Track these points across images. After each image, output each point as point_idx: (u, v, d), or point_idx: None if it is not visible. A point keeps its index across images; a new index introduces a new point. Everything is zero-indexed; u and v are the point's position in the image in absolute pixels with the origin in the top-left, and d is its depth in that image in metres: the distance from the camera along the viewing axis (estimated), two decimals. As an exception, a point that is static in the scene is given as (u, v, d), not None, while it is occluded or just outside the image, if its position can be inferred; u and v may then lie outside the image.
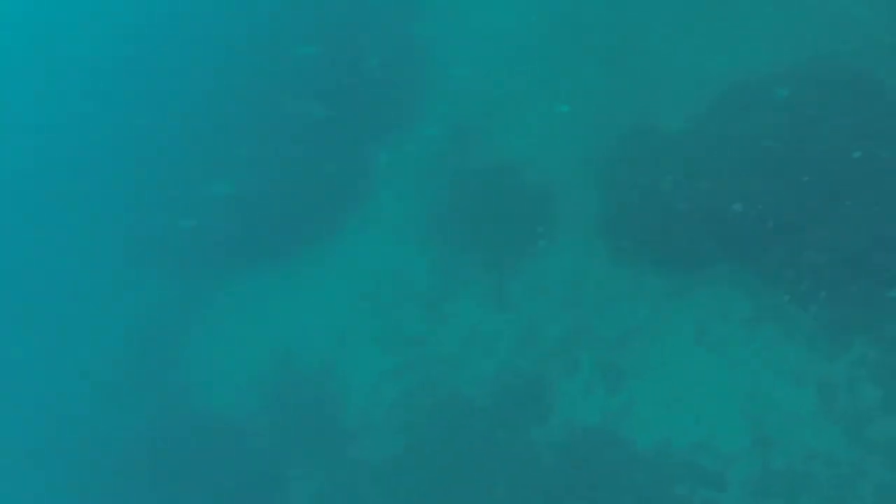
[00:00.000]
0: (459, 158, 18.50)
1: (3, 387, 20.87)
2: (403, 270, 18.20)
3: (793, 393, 14.16)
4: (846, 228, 14.36)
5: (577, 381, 15.89)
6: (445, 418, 16.61)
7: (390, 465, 16.61)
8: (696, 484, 14.29)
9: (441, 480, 16.05)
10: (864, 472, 13.31)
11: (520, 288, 17.05)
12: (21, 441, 19.98)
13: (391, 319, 17.91)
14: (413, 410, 16.97)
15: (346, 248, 19.04)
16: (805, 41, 16.22)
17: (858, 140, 14.66)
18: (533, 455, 15.70)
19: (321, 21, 21.03)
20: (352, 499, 16.54)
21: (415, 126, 19.49)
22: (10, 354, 21.22)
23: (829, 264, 14.42)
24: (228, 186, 19.91)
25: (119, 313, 20.55)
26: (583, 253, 16.70)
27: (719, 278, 15.36)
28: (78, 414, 19.82)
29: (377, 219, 18.99)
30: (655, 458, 14.76)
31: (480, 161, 18.35)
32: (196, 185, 20.71)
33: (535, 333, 16.55)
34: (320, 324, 18.48)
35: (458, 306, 17.45)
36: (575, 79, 18.18)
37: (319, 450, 17.31)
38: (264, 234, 19.52)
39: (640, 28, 18.00)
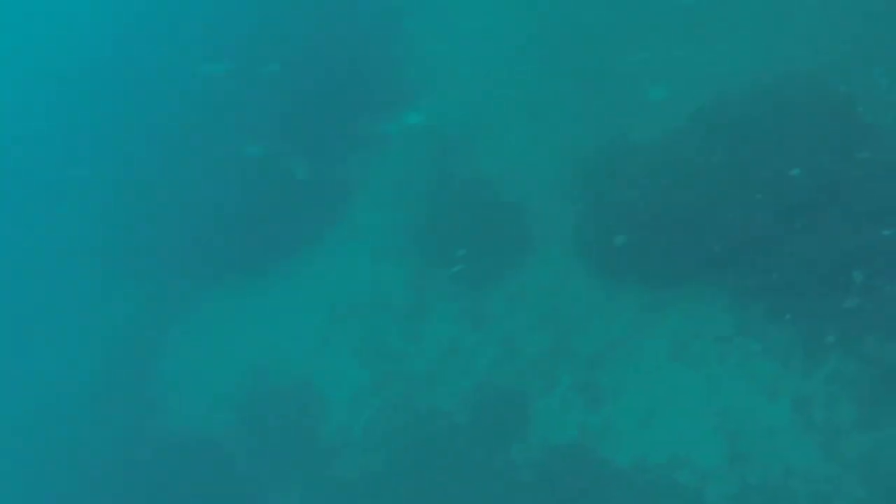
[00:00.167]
0: (437, 173, 18.51)
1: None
2: (381, 285, 18.15)
3: (769, 408, 14.17)
4: (820, 244, 14.43)
5: (555, 398, 15.86)
6: (423, 435, 16.56)
7: (368, 482, 16.54)
8: (673, 500, 14.26)
9: (419, 497, 15.97)
10: (841, 487, 13.32)
11: (498, 303, 17.03)
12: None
13: (369, 334, 17.85)
14: (391, 427, 16.91)
15: (323, 261, 18.97)
16: (777, 59, 16.33)
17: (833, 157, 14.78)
18: (511, 471, 15.66)
19: (296, 34, 21.01)
20: (329, 516, 16.46)
21: (392, 140, 19.46)
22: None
23: (804, 280, 14.47)
24: (205, 197, 19.82)
25: (95, 326, 20.41)
26: (560, 269, 16.69)
27: (696, 294, 15.39)
28: (51, 428, 19.64)
29: (355, 232, 18.96)
30: (633, 474, 14.73)
31: (458, 176, 18.35)
32: (172, 195, 20.59)
33: (513, 349, 16.52)
34: (298, 338, 18.40)
35: (436, 322, 17.42)
36: (554, 94, 18.22)
37: (297, 466, 17.22)
38: (241, 248, 19.41)
39: (617, 45, 18.07)
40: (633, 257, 15.89)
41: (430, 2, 20.33)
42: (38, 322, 21.19)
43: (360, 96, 19.81)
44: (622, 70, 17.66)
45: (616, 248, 16.06)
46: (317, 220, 19.23)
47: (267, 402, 17.88)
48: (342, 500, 16.52)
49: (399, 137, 19.33)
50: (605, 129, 17.14)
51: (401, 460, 16.49)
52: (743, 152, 15.38)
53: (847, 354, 14.10)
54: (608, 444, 15.16)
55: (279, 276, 19.11)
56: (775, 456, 13.82)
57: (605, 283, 16.21)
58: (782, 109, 15.47)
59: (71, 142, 22.96)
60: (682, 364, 15.10)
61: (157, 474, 17.91)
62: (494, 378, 16.46)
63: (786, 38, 16.56)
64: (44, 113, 24.15)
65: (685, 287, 15.48)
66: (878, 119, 14.98)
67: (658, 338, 15.43)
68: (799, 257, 14.48)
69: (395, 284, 18.03)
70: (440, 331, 17.27)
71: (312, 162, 19.40)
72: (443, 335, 17.21)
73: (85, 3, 24.96)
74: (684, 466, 14.37)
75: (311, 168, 19.15)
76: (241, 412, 18.02)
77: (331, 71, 20.04)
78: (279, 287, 19.03)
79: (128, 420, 18.77)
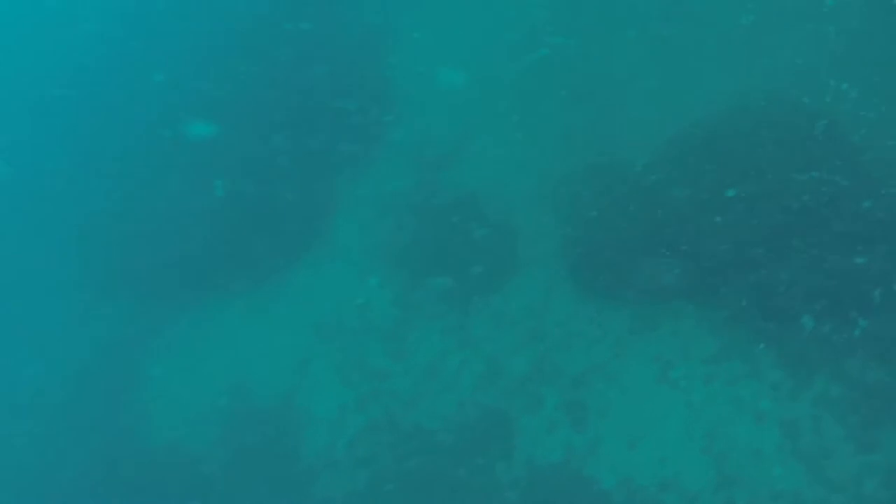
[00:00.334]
0: (423, 190, 18.36)
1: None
2: (365, 303, 17.96)
3: (756, 431, 14.15)
4: (807, 266, 14.46)
5: (541, 418, 15.75)
6: (407, 454, 16.38)
7: (350, 502, 16.29)
8: (660, 523, 14.20)
9: (402, 518, 15.82)
10: (829, 510, 13.33)
11: (483, 322, 16.91)
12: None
13: (352, 352, 17.65)
14: (374, 446, 16.71)
15: (306, 279, 18.76)
16: (757, 83, 16.36)
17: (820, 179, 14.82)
18: (496, 492, 15.53)
19: (276, 51, 20.81)
20: (310, 537, 16.25)
21: (376, 157, 19.30)
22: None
23: (790, 301, 14.48)
24: (186, 215, 19.56)
25: (73, 345, 20.04)
26: (546, 288, 16.62)
27: (683, 314, 15.37)
28: (27, 446, 19.27)
29: (338, 251, 18.74)
30: (619, 497, 14.64)
31: (444, 194, 18.21)
32: (153, 212, 20.32)
33: (498, 369, 16.41)
34: (280, 356, 18.16)
35: (420, 340, 17.25)
36: (541, 112, 18.13)
37: (277, 485, 16.96)
38: (223, 266, 19.15)
39: (604, 65, 18.01)
40: (619, 277, 15.84)
41: (415, 19, 20.18)
42: (15, 339, 20.80)
43: (343, 112, 19.63)
44: (611, 90, 17.60)
45: (603, 268, 16.01)
46: (300, 238, 19.02)
47: (247, 422, 17.62)
48: (323, 519, 16.33)
49: (383, 155, 19.17)
50: (592, 147, 17.09)
51: (383, 480, 16.31)
52: (732, 173, 15.39)
53: (833, 377, 14.11)
54: (594, 465, 15.07)
55: (262, 294, 18.86)
56: (762, 479, 13.79)
57: (592, 302, 16.15)
58: (767, 128, 15.52)
59: (48, 154, 22.58)
60: (669, 385, 15.06)
61: (136, 494, 17.60)
62: (479, 397, 16.33)
63: (764, 58, 16.60)
64: (23, 121, 23.75)
65: (672, 308, 15.46)
66: (849, 136, 15.08)
67: (644, 358, 15.39)
68: (785, 279, 14.50)
69: (378, 303, 17.85)
70: (424, 349, 17.11)
71: (295, 180, 19.19)
72: (427, 354, 17.05)
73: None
74: (671, 489, 14.30)
75: (294, 186, 18.94)
76: (222, 431, 17.74)
77: (313, 88, 19.86)
78: (262, 305, 18.78)
79: (106, 439, 18.43)
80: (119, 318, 19.81)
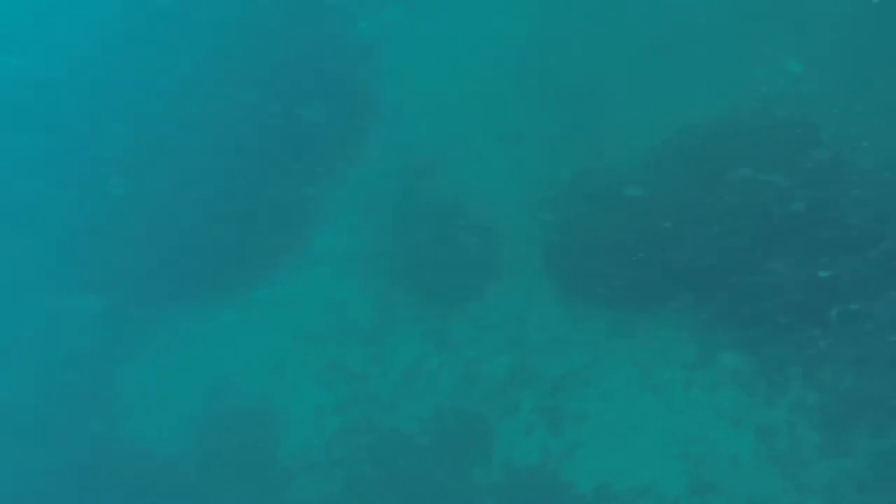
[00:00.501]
0: (406, 195, 18.29)
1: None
2: (345, 306, 17.88)
3: (733, 437, 14.27)
4: (788, 274, 14.59)
5: (519, 423, 15.79)
6: (385, 458, 16.35)
7: (326, 505, 16.26)
8: (637, 527, 14.28)
9: (379, 521, 15.78)
10: (803, 515, 13.48)
11: (463, 326, 16.92)
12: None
13: (332, 355, 17.58)
14: (352, 449, 16.67)
15: (288, 282, 18.61)
16: (745, 94, 16.49)
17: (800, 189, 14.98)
18: (473, 496, 15.56)
19: (263, 58, 20.65)
20: (287, 540, 16.15)
21: (360, 160, 19.22)
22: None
23: (769, 309, 14.61)
24: (167, 217, 19.34)
25: (50, 347, 19.74)
26: (527, 293, 16.66)
27: (663, 321, 15.49)
28: (2, 450, 18.94)
29: (320, 255, 18.61)
30: (596, 500, 14.70)
31: (427, 198, 18.15)
32: (133, 213, 20.08)
33: (477, 373, 16.42)
34: (259, 359, 18.01)
35: (400, 344, 17.22)
36: (525, 119, 18.11)
37: (255, 488, 16.84)
38: (204, 269, 18.96)
39: (588, 73, 18.03)
40: (601, 283, 15.91)
41: (402, 28, 20.08)
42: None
43: (327, 118, 19.51)
44: (596, 96, 17.64)
45: (584, 274, 16.06)
46: (281, 242, 18.88)
47: (226, 424, 17.47)
48: (300, 523, 16.24)
49: (367, 160, 19.08)
50: (576, 155, 17.13)
51: (361, 483, 16.27)
52: (715, 180, 15.49)
53: (808, 384, 14.28)
54: (571, 470, 15.14)
55: (241, 297, 18.67)
56: (739, 484, 13.91)
57: (573, 307, 16.23)
58: (751, 137, 15.64)
59: (29, 153, 22.23)
60: (648, 390, 15.16)
61: (113, 496, 17.37)
62: (457, 401, 16.34)
63: (756, 73, 16.72)
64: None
65: (652, 314, 15.58)
66: (838, 151, 15.24)
67: (624, 363, 15.49)
68: (766, 286, 14.63)
69: (359, 307, 17.79)
70: (403, 353, 17.08)
71: (275, 184, 19.05)
72: (407, 357, 17.03)
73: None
74: (648, 494, 14.38)
75: (280, 192, 18.81)
76: (200, 434, 17.56)
77: (298, 94, 19.72)
78: (242, 309, 18.58)
79: (83, 441, 18.16)
80: (93, 321, 19.56)
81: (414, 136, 18.72)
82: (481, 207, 17.67)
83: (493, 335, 16.60)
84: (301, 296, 18.30)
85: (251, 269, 18.83)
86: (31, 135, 22.12)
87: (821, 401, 14.13)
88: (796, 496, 13.57)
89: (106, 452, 17.81)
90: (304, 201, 19.21)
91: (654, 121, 16.70)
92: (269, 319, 18.30)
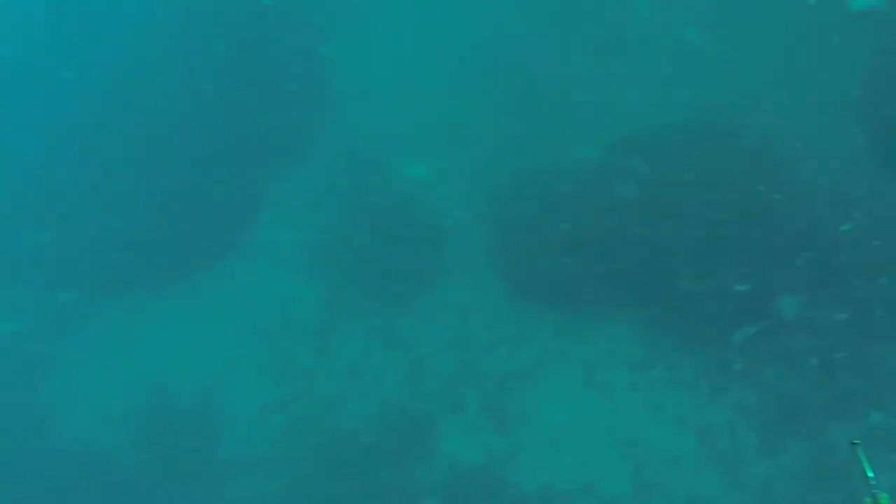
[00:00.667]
0: (354, 190, 18.12)
1: None
2: (290, 301, 17.65)
3: (675, 437, 14.42)
4: (732, 275, 14.78)
5: (463, 421, 15.77)
6: (329, 455, 16.20)
7: (268, 504, 16.03)
8: (579, 527, 14.36)
9: (323, 520, 15.61)
10: (741, 515, 13.68)
11: (409, 324, 16.83)
12: None
13: (275, 351, 17.35)
14: (295, 447, 16.47)
15: (233, 276, 18.26)
16: (694, 94, 16.64)
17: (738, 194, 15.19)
18: (416, 495, 15.52)
19: (209, 53, 20.26)
20: (227, 540, 15.88)
21: (307, 154, 18.98)
22: None
23: (713, 310, 14.79)
24: (107, 206, 18.90)
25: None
26: (474, 291, 16.61)
27: (609, 320, 15.58)
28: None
29: (265, 249, 18.31)
30: (539, 500, 14.76)
31: (376, 193, 17.98)
32: (70, 200, 19.57)
33: (422, 371, 16.36)
34: (200, 354, 17.67)
35: (345, 340, 17.07)
36: (476, 117, 18.03)
37: (195, 487, 16.52)
38: (144, 261, 18.53)
39: (541, 74, 17.99)
40: (548, 282, 15.95)
41: (352, 21, 19.85)
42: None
43: (274, 112, 19.23)
44: (551, 97, 17.61)
45: (532, 273, 16.09)
46: (226, 235, 18.57)
47: (164, 420, 17.11)
48: (241, 522, 15.99)
49: (316, 154, 18.85)
50: (527, 153, 17.11)
51: (304, 482, 16.09)
52: (663, 183, 15.65)
53: (749, 384, 14.51)
54: (515, 469, 15.17)
55: (184, 291, 18.28)
56: (679, 485, 14.08)
57: (519, 306, 16.24)
58: (703, 142, 15.83)
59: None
60: (592, 391, 15.25)
61: (45, 494, 16.90)
62: (402, 399, 16.25)
63: (710, 72, 16.87)
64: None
65: (598, 314, 15.66)
66: (794, 153, 15.47)
67: (569, 363, 15.55)
68: (711, 289, 14.80)
69: (304, 302, 17.57)
70: (349, 350, 16.94)
71: (222, 176, 18.72)
72: (352, 354, 16.89)
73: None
74: (590, 494, 14.46)
75: (224, 184, 18.48)
76: (137, 430, 17.16)
77: (246, 88, 19.40)
78: (184, 302, 18.19)
79: (14, 437, 17.64)
80: (27, 311, 19.01)
81: (363, 131, 18.55)
82: (431, 204, 17.58)
83: (439, 333, 16.53)
84: (246, 290, 18.02)
85: (196, 262, 18.49)
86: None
87: (759, 401, 14.38)
88: (734, 496, 13.78)
89: (35, 451, 17.33)
90: (251, 195, 18.94)
91: (610, 122, 16.76)
92: (213, 313, 17.98)
